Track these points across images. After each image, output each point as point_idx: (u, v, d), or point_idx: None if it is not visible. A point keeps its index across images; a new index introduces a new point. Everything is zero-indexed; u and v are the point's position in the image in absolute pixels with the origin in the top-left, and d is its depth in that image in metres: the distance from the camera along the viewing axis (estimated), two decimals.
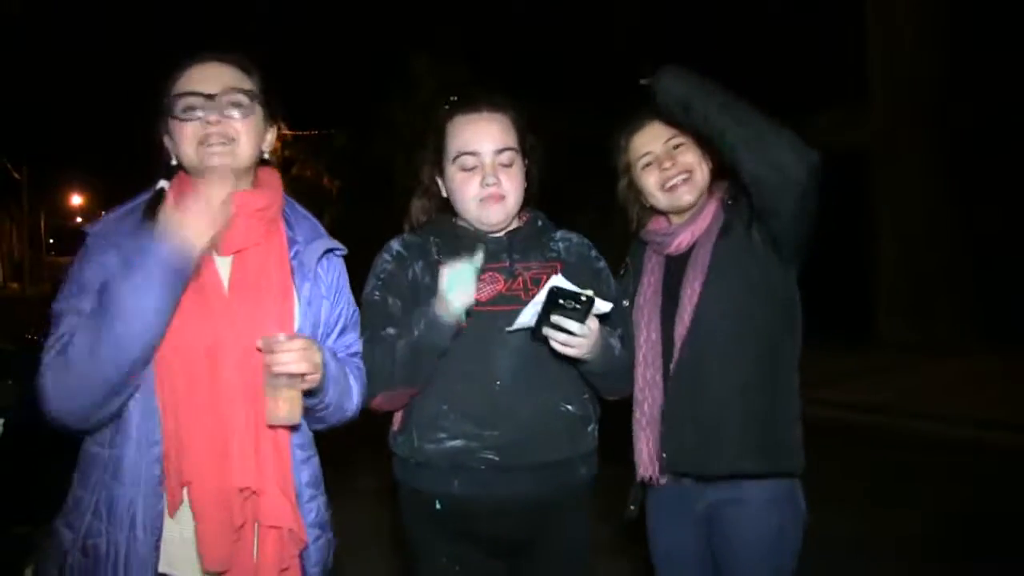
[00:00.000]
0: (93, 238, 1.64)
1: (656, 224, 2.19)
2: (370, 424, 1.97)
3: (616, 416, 2.14)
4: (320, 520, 1.75)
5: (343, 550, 1.85)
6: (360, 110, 17.68)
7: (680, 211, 2.13)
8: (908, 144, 9.75)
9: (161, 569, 1.59)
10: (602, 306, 1.81)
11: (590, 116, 12.33)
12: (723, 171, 2.09)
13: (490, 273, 1.96)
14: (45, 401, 1.52)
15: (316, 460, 1.78)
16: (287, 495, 1.63)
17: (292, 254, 1.74)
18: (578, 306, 1.77)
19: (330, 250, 1.80)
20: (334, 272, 1.82)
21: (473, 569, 1.99)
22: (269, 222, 1.72)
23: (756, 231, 2.01)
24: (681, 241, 2.10)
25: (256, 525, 1.62)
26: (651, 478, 2.10)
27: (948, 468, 5.29)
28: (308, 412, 1.69)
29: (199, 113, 1.65)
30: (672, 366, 2.04)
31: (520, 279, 1.98)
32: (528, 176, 2.04)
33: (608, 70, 13.40)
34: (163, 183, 1.71)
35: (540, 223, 2.09)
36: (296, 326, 1.70)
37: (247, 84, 1.70)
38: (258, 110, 1.71)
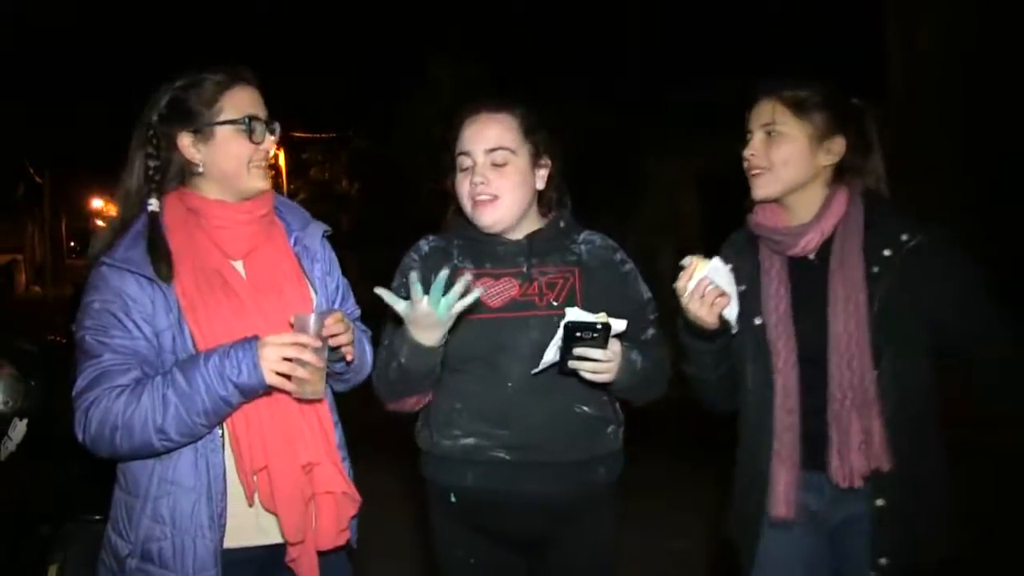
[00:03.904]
0: (109, 268, 1.67)
1: (772, 220, 1.95)
2: (393, 421, 1.98)
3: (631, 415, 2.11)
4: (352, 478, 1.85)
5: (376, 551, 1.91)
6: (379, 112, 17.71)
7: (762, 201, 1.94)
8: (927, 145, 9.66)
9: (226, 545, 1.66)
10: (618, 326, 1.80)
11: (608, 115, 12.30)
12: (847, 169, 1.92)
13: (505, 278, 1.96)
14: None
15: (339, 424, 1.88)
16: (336, 463, 1.77)
17: (292, 241, 1.86)
18: (595, 335, 1.76)
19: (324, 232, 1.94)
20: (326, 249, 1.95)
21: (490, 563, 2.01)
22: (270, 222, 1.85)
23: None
24: (809, 241, 1.89)
25: (312, 494, 1.73)
26: (783, 519, 1.87)
27: (972, 473, 5.21)
28: (334, 376, 1.82)
29: (258, 133, 1.78)
30: (875, 377, 1.82)
31: (535, 283, 1.96)
32: (548, 178, 2.03)
33: (625, 69, 13.39)
34: (153, 203, 1.74)
35: (563, 224, 2.06)
36: (313, 306, 1.81)
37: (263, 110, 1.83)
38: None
